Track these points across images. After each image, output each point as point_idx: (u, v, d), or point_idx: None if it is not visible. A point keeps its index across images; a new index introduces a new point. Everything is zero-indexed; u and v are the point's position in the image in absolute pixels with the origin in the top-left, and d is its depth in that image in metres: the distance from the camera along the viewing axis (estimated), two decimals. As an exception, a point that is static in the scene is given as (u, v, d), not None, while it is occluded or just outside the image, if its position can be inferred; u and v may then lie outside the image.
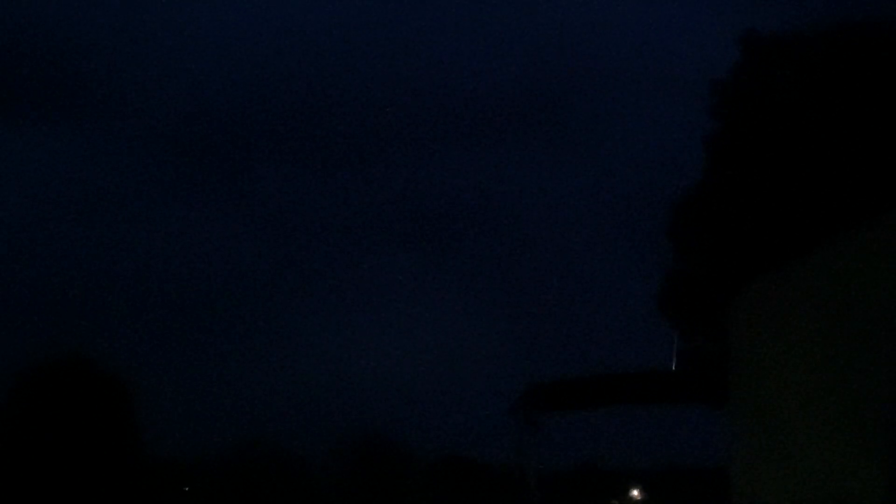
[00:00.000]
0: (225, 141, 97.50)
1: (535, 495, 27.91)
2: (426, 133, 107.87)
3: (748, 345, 17.86)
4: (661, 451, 51.38)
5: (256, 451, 44.35)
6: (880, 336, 13.31)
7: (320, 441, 50.59)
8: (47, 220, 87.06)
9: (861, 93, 17.43)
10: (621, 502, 57.45)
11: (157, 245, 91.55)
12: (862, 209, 15.02)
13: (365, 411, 67.30)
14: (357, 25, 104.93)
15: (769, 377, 16.61)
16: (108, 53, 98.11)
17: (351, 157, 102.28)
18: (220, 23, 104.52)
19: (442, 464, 51.90)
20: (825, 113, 17.71)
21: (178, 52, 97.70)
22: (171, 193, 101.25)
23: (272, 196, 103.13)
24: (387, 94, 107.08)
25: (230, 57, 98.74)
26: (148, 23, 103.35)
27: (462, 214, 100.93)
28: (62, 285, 73.11)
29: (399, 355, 79.95)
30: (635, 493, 57.94)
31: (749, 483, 17.21)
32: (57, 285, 73.49)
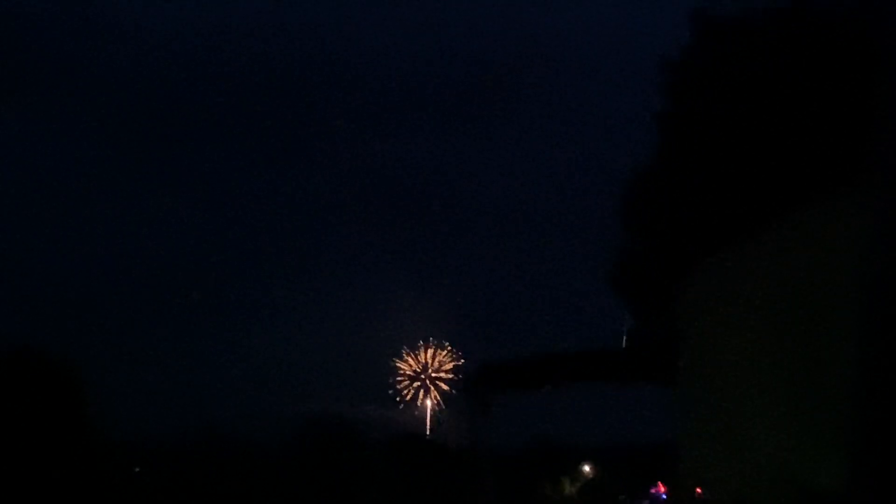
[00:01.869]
0: (171, 127, 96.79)
1: (488, 473, 28.01)
2: (377, 115, 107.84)
3: (697, 324, 17.96)
4: (611, 429, 51.81)
5: (209, 433, 44.17)
6: (830, 316, 13.41)
7: (275, 423, 50.46)
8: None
9: (811, 73, 17.49)
10: (573, 478, 57.79)
11: (106, 232, 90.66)
12: (811, 190, 15.07)
13: (318, 392, 67.30)
14: (308, 8, 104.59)
15: (718, 356, 16.71)
16: (51, 37, 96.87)
17: (303, 141, 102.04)
18: (169, 9, 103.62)
19: (397, 442, 51.90)
20: (775, 93, 17.75)
21: (127, 38, 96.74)
22: (121, 180, 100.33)
23: (223, 181, 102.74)
24: (340, 77, 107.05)
25: (179, 41, 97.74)
26: (94, 6, 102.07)
27: (414, 195, 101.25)
28: (8, 275, 71.98)
29: (350, 337, 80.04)
30: (587, 468, 58.34)
31: (697, 460, 17.36)
32: (3, 275, 72.36)
